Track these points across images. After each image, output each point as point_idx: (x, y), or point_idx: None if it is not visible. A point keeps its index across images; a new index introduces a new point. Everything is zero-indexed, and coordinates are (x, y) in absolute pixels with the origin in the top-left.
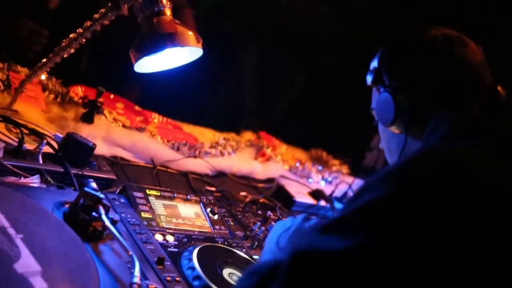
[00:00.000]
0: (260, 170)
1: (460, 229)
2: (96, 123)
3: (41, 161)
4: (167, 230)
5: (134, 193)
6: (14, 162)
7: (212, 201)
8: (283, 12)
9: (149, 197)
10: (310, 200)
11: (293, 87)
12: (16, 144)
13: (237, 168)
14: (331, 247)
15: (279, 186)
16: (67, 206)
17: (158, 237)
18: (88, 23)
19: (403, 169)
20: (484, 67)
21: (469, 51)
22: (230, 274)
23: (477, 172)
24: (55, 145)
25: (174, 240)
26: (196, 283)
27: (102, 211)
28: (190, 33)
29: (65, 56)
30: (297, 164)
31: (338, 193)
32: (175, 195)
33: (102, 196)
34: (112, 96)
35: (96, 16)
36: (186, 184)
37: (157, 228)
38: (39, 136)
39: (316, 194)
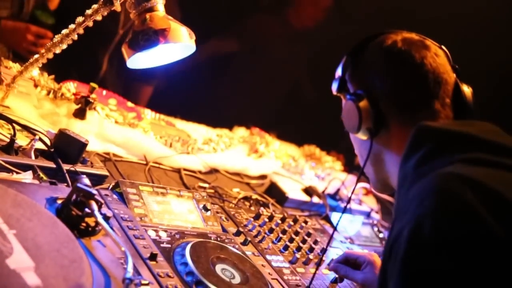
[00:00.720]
0: (253, 166)
1: None
2: (89, 119)
3: (33, 157)
4: (160, 226)
5: (127, 189)
6: (6, 158)
7: (205, 197)
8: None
9: (142, 193)
10: (303, 197)
11: (287, 83)
12: (8, 140)
13: (230, 165)
14: None
15: (272, 183)
16: (59, 202)
17: (151, 233)
18: (81, 19)
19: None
20: (446, 68)
21: (430, 54)
22: (222, 269)
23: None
24: (48, 141)
25: (167, 236)
26: (188, 278)
27: (94, 207)
28: (183, 29)
29: (57, 52)
30: (290, 161)
31: (331, 189)
32: (168, 191)
33: (94, 192)
34: (104, 92)
35: (88, 12)
36: (179, 181)
37: (150, 224)
38: (31, 132)
39: (309, 190)
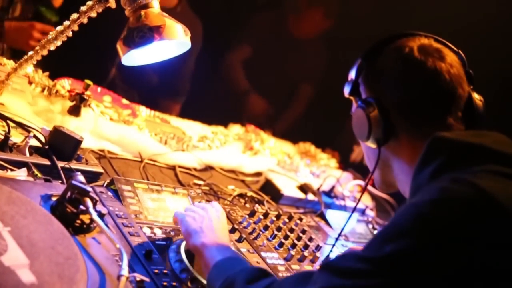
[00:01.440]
0: (248, 163)
1: None
2: (83, 117)
3: (27, 154)
4: (155, 223)
5: (122, 186)
6: (1, 155)
7: (200, 194)
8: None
9: (137, 191)
10: (298, 194)
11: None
12: (2, 137)
13: (225, 162)
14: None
15: (267, 180)
16: (54, 199)
17: (146, 230)
18: (75, 16)
19: (435, 217)
20: (461, 80)
21: (445, 65)
22: None
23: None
24: (42, 138)
25: (162, 233)
26: (183, 275)
27: (89, 204)
28: (178, 26)
29: (52, 48)
30: (285, 158)
31: (326, 187)
32: (163, 188)
33: (89, 189)
34: (99, 89)
35: (83, 8)
36: (174, 178)
37: (144, 221)
38: (26, 129)
39: (304, 188)
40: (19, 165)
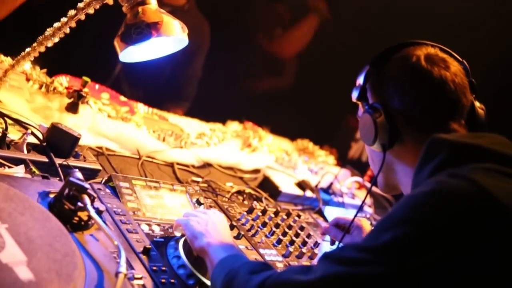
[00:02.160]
0: (246, 160)
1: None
2: (81, 113)
3: (25, 151)
4: (153, 220)
5: (120, 183)
6: None
7: (198, 191)
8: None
9: (135, 187)
10: (296, 191)
11: (280, 77)
12: (0, 134)
13: (223, 159)
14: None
15: (265, 177)
16: (52, 196)
17: (144, 227)
18: (73, 12)
19: (432, 207)
20: (464, 89)
21: (450, 74)
22: None
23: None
24: (40, 135)
25: (160, 230)
26: (181, 271)
27: (87, 201)
28: (176, 22)
29: (49, 45)
30: (283, 155)
31: (324, 183)
32: (161, 185)
33: (87, 186)
34: (97, 86)
35: (80, 5)
36: (172, 175)
37: (143, 218)
38: (24, 126)
39: (302, 184)
40: (16, 162)
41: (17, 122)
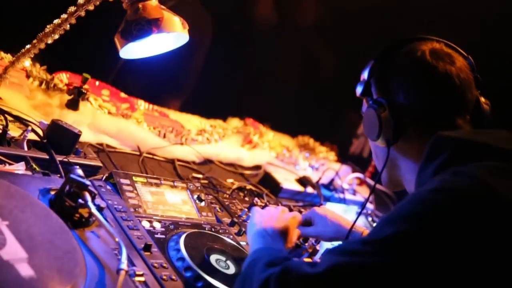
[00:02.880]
0: (247, 157)
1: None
2: (82, 110)
3: (26, 148)
4: (154, 217)
5: (121, 180)
6: None
7: (199, 188)
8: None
9: (136, 184)
10: (297, 187)
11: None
12: (0, 131)
13: (224, 155)
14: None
15: (266, 173)
16: (53, 193)
17: (145, 224)
18: (73, 9)
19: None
20: (470, 84)
21: (455, 69)
22: (217, 260)
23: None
24: (40, 132)
25: (161, 227)
26: (183, 269)
27: (88, 197)
28: (176, 18)
29: (49, 42)
30: (284, 151)
31: (325, 180)
32: (162, 182)
33: (88, 183)
34: (97, 83)
35: (80, 1)
36: (173, 171)
37: (144, 215)
38: (24, 123)
39: (303, 181)
40: (17, 159)
41: (18, 119)
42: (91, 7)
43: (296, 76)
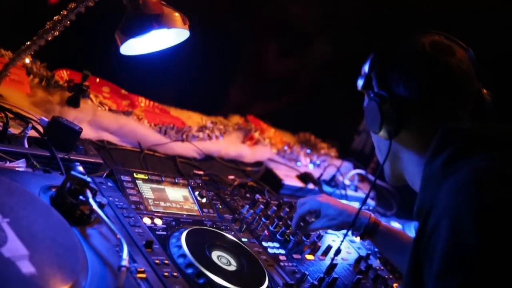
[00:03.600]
0: (248, 153)
1: None
2: (82, 107)
3: (26, 145)
4: (155, 214)
5: (122, 176)
6: None
7: (200, 184)
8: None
9: (137, 181)
10: (299, 183)
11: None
12: (0, 128)
13: (225, 152)
14: None
15: (267, 170)
16: (53, 190)
17: (146, 221)
18: (73, 5)
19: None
20: (470, 75)
21: (455, 61)
22: (219, 256)
23: None
24: (41, 129)
25: (162, 224)
26: (184, 265)
27: (89, 194)
28: (177, 14)
29: (49, 39)
30: (285, 148)
31: (326, 176)
32: (163, 178)
33: (89, 179)
34: (98, 79)
35: None
36: (174, 168)
37: (145, 212)
38: (24, 120)
39: (305, 177)
40: (18, 156)
41: (18, 116)
42: (91, 4)
43: (297, 72)
